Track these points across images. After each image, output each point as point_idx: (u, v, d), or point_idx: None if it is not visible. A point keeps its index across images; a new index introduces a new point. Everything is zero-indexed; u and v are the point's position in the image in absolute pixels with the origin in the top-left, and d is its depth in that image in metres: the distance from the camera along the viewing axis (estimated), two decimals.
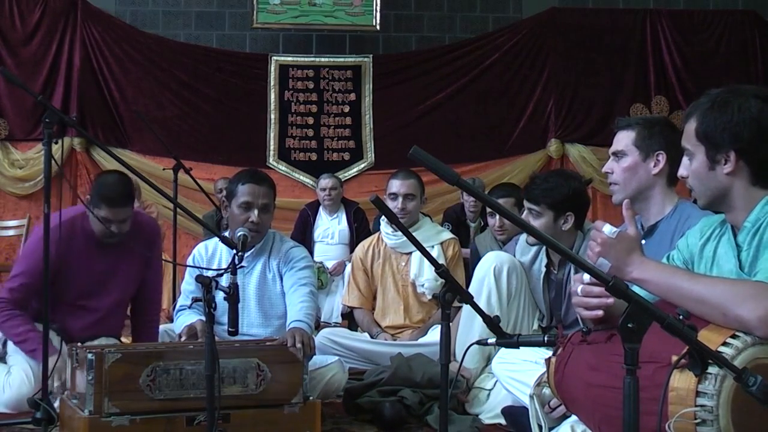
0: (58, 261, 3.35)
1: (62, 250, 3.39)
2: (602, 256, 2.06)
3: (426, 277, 4.27)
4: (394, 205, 4.25)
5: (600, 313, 2.05)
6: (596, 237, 2.09)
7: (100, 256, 3.60)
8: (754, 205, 2.05)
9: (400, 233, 4.29)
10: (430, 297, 4.30)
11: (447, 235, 4.51)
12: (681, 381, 1.82)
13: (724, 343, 1.82)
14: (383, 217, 4.60)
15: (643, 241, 2.76)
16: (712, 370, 1.78)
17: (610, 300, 2.02)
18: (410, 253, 4.35)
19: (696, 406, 1.79)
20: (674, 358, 1.76)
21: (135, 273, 3.72)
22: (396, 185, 4.30)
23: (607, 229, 2.09)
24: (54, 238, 3.08)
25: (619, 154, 2.82)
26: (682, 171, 2.16)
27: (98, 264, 3.60)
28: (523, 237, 3.67)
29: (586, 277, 2.06)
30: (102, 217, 3.43)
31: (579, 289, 2.10)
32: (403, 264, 4.38)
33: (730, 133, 2.04)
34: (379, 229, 4.63)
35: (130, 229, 3.56)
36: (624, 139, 2.81)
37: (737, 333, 1.85)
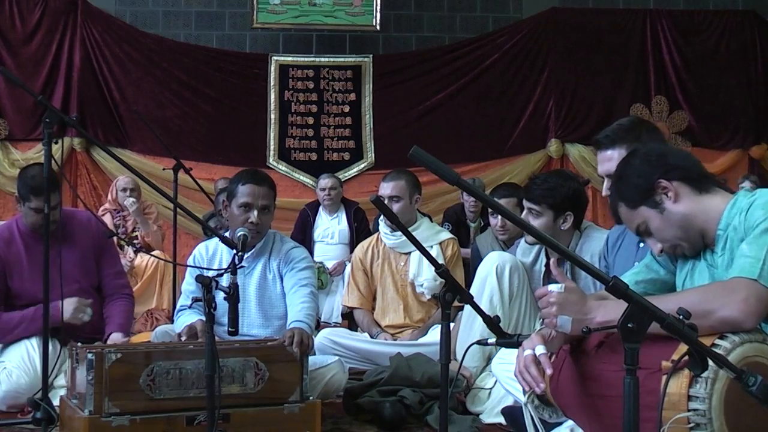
0: (3, 266, 3.63)
1: (4, 254, 3.64)
2: (561, 314, 2.01)
3: (425, 277, 4.28)
4: None
5: (529, 389, 2.10)
6: (548, 298, 2.04)
7: (40, 252, 3.62)
8: (716, 212, 2.07)
9: (398, 233, 4.30)
10: (429, 297, 4.31)
11: (446, 234, 4.51)
12: (672, 386, 1.81)
13: (713, 345, 1.82)
14: (382, 217, 4.60)
15: (642, 244, 2.76)
16: (703, 373, 1.78)
17: (542, 385, 2.05)
18: (409, 253, 4.35)
19: (689, 410, 1.79)
20: (664, 362, 1.76)
21: (79, 262, 3.73)
22: (382, 187, 4.32)
23: (554, 287, 2.04)
24: None
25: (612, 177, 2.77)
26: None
27: (40, 258, 3.62)
28: (524, 237, 3.69)
29: (552, 287, 2.05)
30: (34, 208, 3.57)
31: (521, 361, 2.10)
32: (402, 264, 4.38)
33: (643, 175, 2.11)
34: (379, 229, 4.64)
35: (64, 222, 3.68)
36: (616, 160, 2.76)
37: (724, 334, 1.85)
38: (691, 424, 1.79)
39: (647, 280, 2.27)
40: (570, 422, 2.44)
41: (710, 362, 1.68)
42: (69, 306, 3.52)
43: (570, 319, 2.01)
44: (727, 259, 2.02)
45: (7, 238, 3.69)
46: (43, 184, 3.44)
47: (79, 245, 3.74)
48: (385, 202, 4.22)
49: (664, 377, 1.78)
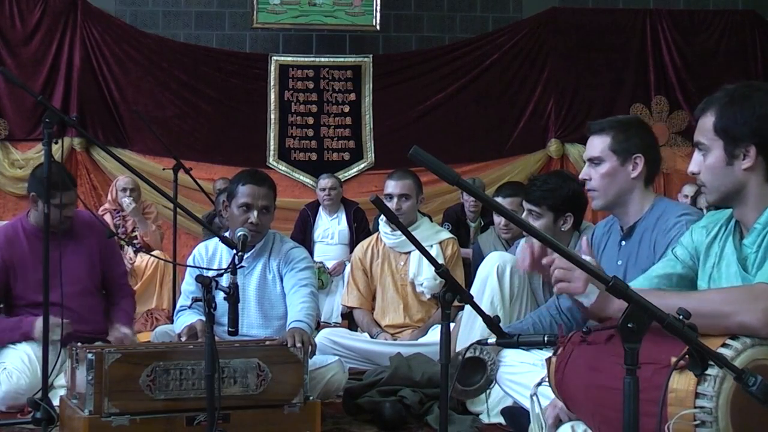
0: (6, 266, 3.63)
1: (7, 255, 3.63)
2: (592, 282, 2.01)
3: (425, 276, 4.29)
4: (389, 206, 4.25)
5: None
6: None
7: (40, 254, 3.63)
8: (764, 205, 2.02)
9: (398, 232, 4.30)
10: (428, 296, 4.31)
11: (445, 234, 4.54)
12: (680, 383, 1.81)
13: (724, 345, 1.82)
14: (382, 216, 4.61)
15: (623, 243, 2.77)
16: (711, 371, 1.78)
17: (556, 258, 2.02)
18: (409, 252, 4.36)
19: (695, 407, 1.79)
20: (673, 359, 1.76)
21: (84, 262, 3.75)
22: (391, 186, 4.31)
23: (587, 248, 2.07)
24: None
25: (595, 161, 2.78)
26: (693, 167, 2.11)
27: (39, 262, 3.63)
28: (523, 238, 3.68)
29: (536, 242, 2.05)
30: (56, 204, 3.53)
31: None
32: (402, 263, 4.39)
33: (750, 128, 2.01)
34: (378, 229, 4.64)
35: (74, 223, 3.72)
36: (599, 145, 2.77)
37: (736, 335, 1.84)
38: (697, 422, 1.79)
39: (662, 275, 2.23)
40: (571, 420, 2.44)
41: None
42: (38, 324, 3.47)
43: (598, 291, 2.00)
44: (760, 258, 1.99)
45: (11, 237, 3.70)
46: (59, 181, 3.50)
47: (83, 246, 3.75)
48: (395, 201, 4.26)
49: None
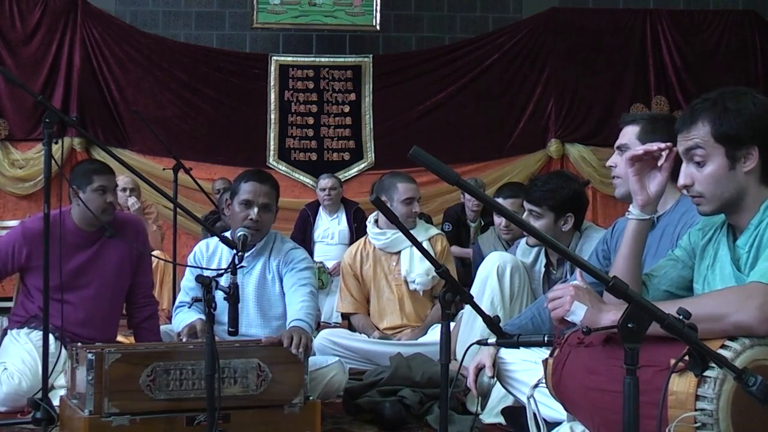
0: (27, 256, 3.59)
1: (35, 246, 3.55)
2: (577, 300, 2.02)
3: (417, 273, 4.30)
4: (410, 209, 4.32)
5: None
6: (564, 289, 2.07)
7: (75, 252, 3.62)
8: (758, 205, 2.02)
9: (387, 233, 4.41)
10: (421, 293, 4.34)
11: (434, 231, 4.62)
12: (680, 385, 1.81)
13: (722, 346, 1.81)
14: (370, 219, 4.65)
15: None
16: (711, 373, 1.77)
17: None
18: (399, 252, 4.39)
19: (696, 410, 1.79)
20: (673, 361, 1.76)
21: (114, 269, 3.72)
22: (412, 189, 4.36)
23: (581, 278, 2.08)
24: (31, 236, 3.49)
25: (623, 148, 2.80)
26: (685, 180, 2.08)
27: (73, 260, 3.61)
28: (524, 239, 3.69)
29: (573, 282, 2.07)
30: (97, 187, 3.55)
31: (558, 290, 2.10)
32: (394, 264, 4.42)
33: (753, 129, 2.00)
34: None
35: (118, 225, 3.67)
36: (629, 134, 2.80)
37: (735, 336, 1.84)
38: (698, 424, 1.78)
39: (660, 275, 2.24)
40: (569, 420, 2.44)
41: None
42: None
43: (585, 308, 2.01)
44: (752, 258, 1.99)
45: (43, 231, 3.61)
46: (98, 165, 3.62)
47: (120, 250, 3.72)
48: (416, 204, 4.37)
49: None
